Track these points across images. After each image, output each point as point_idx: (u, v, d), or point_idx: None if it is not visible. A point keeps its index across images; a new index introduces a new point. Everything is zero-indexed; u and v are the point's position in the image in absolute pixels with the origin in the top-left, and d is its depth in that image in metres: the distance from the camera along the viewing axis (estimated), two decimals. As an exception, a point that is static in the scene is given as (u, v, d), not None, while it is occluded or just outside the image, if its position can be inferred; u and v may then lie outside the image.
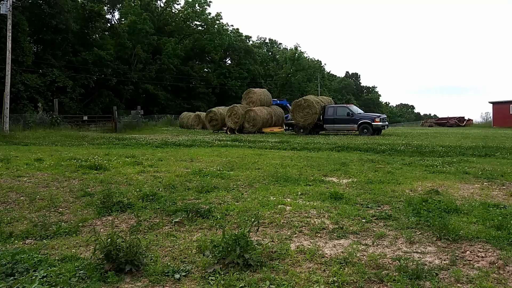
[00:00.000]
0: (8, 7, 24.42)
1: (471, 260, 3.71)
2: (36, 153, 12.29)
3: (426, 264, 3.57)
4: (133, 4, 59.96)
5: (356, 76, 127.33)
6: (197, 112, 42.32)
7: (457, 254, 3.85)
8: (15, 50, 31.33)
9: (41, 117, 29.44)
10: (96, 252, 3.58)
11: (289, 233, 4.55)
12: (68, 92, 42.71)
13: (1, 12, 25.38)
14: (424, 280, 3.24)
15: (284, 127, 31.00)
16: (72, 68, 45.22)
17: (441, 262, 3.65)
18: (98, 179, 7.99)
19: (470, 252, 3.91)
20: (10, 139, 20.03)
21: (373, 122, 25.06)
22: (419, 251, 3.96)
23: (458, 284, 3.20)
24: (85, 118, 36.84)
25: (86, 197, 6.47)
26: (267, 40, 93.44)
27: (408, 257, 3.75)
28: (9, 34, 24.39)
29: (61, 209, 5.82)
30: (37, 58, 42.60)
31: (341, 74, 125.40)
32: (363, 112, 28.44)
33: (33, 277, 3.36)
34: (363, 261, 3.67)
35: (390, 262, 3.66)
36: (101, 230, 4.83)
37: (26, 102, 36.79)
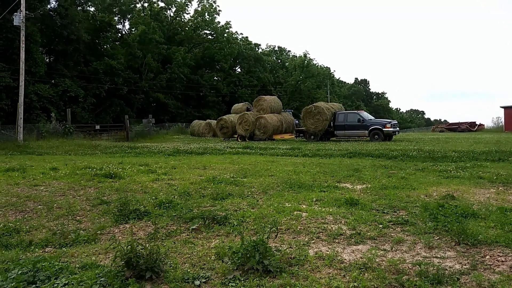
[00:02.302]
0: (21, 18, 24.77)
1: (491, 265, 3.69)
2: (51, 162, 12.44)
3: (446, 269, 3.56)
4: (143, 14, 60.50)
5: (365, 83, 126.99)
6: (208, 120, 42.44)
7: (477, 258, 3.83)
8: (27, 61, 31.72)
9: (54, 127, 29.75)
10: (116, 259, 3.61)
11: (306, 239, 4.55)
12: (80, 102, 43.14)
13: (15, 24, 25.76)
14: (445, 285, 3.24)
15: (295, 134, 30.98)
16: (84, 78, 45.70)
17: (461, 267, 3.63)
18: (113, 187, 8.06)
19: (490, 256, 3.89)
20: (24, 149, 20.26)
21: (384, 128, 24.94)
22: (439, 256, 3.94)
23: (480, 289, 3.18)
24: (97, 127, 37.13)
25: (102, 205, 6.53)
26: (276, 48, 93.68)
27: (428, 262, 3.73)
28: (22, 45, 24.72)
29: (78, 217, 5.89)
30: (49, 68, 43.17)
31: (350, 80, 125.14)
32: (373, 118, 28.34)
33: (55, 285, 3.41)
34: (382, 266, 3.67)
35: (410, 267, 3.65)
36: (120, 237, 4.88)
37: (39, 112, 37.24)
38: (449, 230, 4.62)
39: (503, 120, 50.07)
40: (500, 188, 7.50)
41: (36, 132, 27.53)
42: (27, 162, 12.95)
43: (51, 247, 4.61)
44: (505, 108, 48.59)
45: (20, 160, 13.98)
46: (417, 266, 3.62)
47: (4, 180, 8.87)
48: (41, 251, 4.46)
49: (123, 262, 3.59)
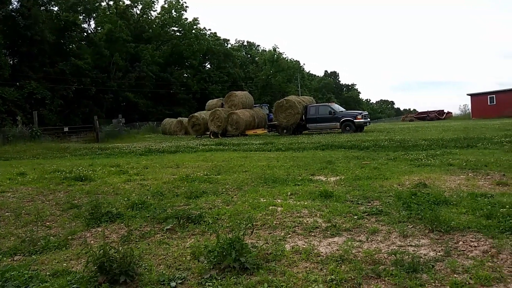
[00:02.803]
0: (-19, 20, 23.94)
1: (464, 250, 3.75)
2: (18, 167, 12.06)
3: (421, 257, 3.60)
4: (108, 13, 59.34)
5: (335, 75, 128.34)
6: (179, 118, 42.06)
7: (450, 245, 3.88)
8: (-10, 64, 30.70)
9: (20, 131, 28.87)
10: (88, 264, 3.49)
11: (282, 234, 4.53)
12: (47, 104, 41.98)
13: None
14: (421, 273, 3.26)
15: (267, 129, 31.04)
16: (50, 79, 44.46)
17: (436, 254, 3.68)
18: (84, 190, 7.88)
19: (463, 242, 3.95)
20: (-11, 155, 19.60)
21: (355, 119, 25.27)
22: (413, 244, 3.98)
23: (455, 275, 3.22)
24: (66, 129, 36.30)
25: (73, 209, 6.36)
26: (245, 43, 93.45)
27: (403, 250, 3.77)
28: (-17, 47, 23.90)
29: (48, 223, 5.71)
30: (14, 70, 41.80)
31: (320, 73, 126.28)
32: (344, 110, 28.67)
33: (25, 294, 3.29)
34: (359, 258, 3.68)
35: (385, 257, 3.67)
36: (92, 242, 4.74)
37: (4, 116, 36.04)
38: (422, 218, 4.68)
39: (470, 107, 51.47)
40: (470, 174, 7.66)
41: (1, 137, 26.66)
42: (-8, 168, 12.52)
43: (20, 255, 4.44)
44: (472, 95, 49.97)
45: (-15, 166, 13.50)
46: (393, 255, 3.64)
47: (-32, 188, 8.54)
48: (9, 260, 4.29)
49: (95, 267, 3.48)
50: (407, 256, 3.56)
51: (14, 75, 40.88)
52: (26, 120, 33.81)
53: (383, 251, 3.83)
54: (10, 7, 41.34)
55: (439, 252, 3.73)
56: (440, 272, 3.29)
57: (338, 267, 3.46)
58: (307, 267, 3.54)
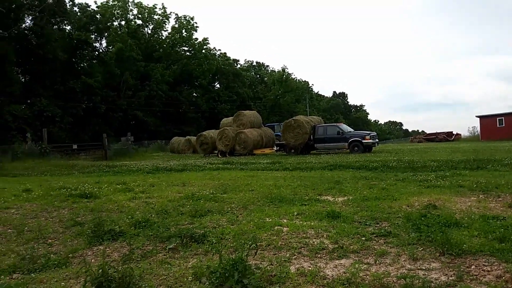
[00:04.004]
0: (-6, 38, 24.38)
1: (477, 275, 3.59)
2: (25, 184, 12.05)
3: (432, 281, 3.44)
4: (120, 32, 60.24)
5: (343, 96, 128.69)
6: (188, 137, 42.07)
7: (462, 269, 3.72)
8: (2, 81, 31.09)
9: (30, 148, 29.09)
10: (86, 284, 3.39)
11: (288, 255, 4.40)
12: (57, 121, 42.35)
13: (-13, 44, 25.32)
14: (432, 299, 3.11)
15: (275, 148, 30.91)
16: (61, 97, 44.93)
17: (447, 279, 3.52)
18: (88, 207, 7.80)
19: (476, 266, 3.79)
20: (-2, 171, 19.69)
21: (364, 140, 25.10)
22: (424, 267, 3.83)
23: (468, 301, 3.07)
24: (75, 146, 36.40)
25: (76, 227, 6.27)
26: (254, 63, 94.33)
27: (413, 274, 3.61)
28: (-5, 65, 24.27)
29: (50, 240, 5.62)
30: (25, 88, 42.38)
31: (328, 94, 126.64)
32: (353, 130, 28.53)
33: (20, 314, 3.18)
34: (366, 281, 3.53)
35: (395, 280, 3.52)
36: (92, 260, 4.64)
37: (14, 133, 36.36)
38: (432, 240, 4.52)
39: (479, 129, 51.12)
40: (481, 196, 7.49)
41: (11, 154, 26.84)
42: (0, 184, 12.54)
43: (18, 273, 4.34)
44: (481, 117, 49.70)
45: (-8, 182, 13.51)
46: (402, 279, 3.49)
47: (-27, 204, 8.50)
48: (7, 278, 4.20)
49: (93, 286, 3.38)
50: (417, 281, 3.41)
51: (25, 93, 41.43)
52: (36, 137, 34.09)
53: (392, 274, 3.68)
54: (23, 25, 42.10)
55: (450, 276, 3.57)
56: (452, 298, 3.13)
57: (344, 291, 3.32)
58: (312, 291, 3.40)
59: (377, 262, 4.05)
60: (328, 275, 3.75)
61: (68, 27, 52.82)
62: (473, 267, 3.78)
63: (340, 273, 3.77)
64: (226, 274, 3.47)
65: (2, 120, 32.26)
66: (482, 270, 3.69)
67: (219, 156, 29.81)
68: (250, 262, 3.81)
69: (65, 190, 10.06)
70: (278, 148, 30.15)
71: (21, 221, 6.77)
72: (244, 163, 18.96)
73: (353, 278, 3.57)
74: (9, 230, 6.26)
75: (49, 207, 7.97)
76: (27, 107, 39.94)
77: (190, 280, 3.78)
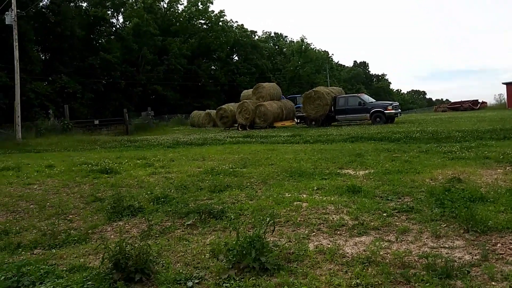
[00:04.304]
0: (13, 17, 24.46)
1: (503, 254, 3.44)
2: (48, 160, 12.26)
3: (455, 261, 3.32)
4: (136, 7, 59.88)
5: (364, 65, 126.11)
6: (208, 110, 42.07)
7: (488, 247, 3.57)
8: (23, 59, 31.36)
9: (52, 124, 29.57)
10: (104, 261, 3.39)
11: (306, 231, 4.32)
12: (78, 98, 42.82)
13: (6, 23, 25.48)
14: (455, 279, 2.98)
15: (296, 120, 30.67)
16: (81, 74, 45.30)
17: (471, 258, 3.39)
18: (109, 183, 7.87)
19: (502, 244, 3.64)
20: (23, 147, 20.11)
21: (386, 110, 24.66)
22: (447, 246, 3.70)
23: (493, 283, 2.93)
24: (96, 122, 36.86)
25: (96, 203, 6.34)
26: (272, 34, 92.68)
27: (436, 253, 3.48)
28: (15, 44, 24.43)
29: (70, 216, 5.69)
30: (46, 65, 42.78)
31: (349, 63, 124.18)
32: (374, 100, 28.04)
33: (39, 291, 3.21)
34: (387, 260, 3.42)
35: (416, 259, 3.40)
36: (111, 236, 4.67)
37: (37, 110, 36.94)
38: (456, 216, 4.36)
39: (505, 96, 49.47)
40: (508, 168, 7.24)
41: (34, 130, 27.38)
42: (23, 160, 12.78)
43: (40, 248, 4.41)
44: (508, 84, 47.99)
45: (17, 158, 13.79)
46: (424, 258, 3.36)
47: (-2, 180, 8.68)
48: (29, 253, 4.26)
49: (111, 264, 3.37)
50: (440, 260, 3.27)
51: (46, 70, 41.84)
52: (58, 113, 34.60)
53: (413, 253, 3.56)
54: (41, 4, 42.23)
55: (475, 255, 3.44)
56: (476, 279, 3.00)
57: (364, 270, 3.22)
58: (331, 269, 3.32)
59: (399, 239, 3.93)
60: (347, 253, 3.67)
61: (85, 4, 52.90)
62: (499, 245, 3.63)
63: (360, 251, 3.68)
64: (244, 252, 3.41)
65: (25, 97, 32.68)
66: (509, 248, 3.54)
67: (239, 129, 29.77)
68: (268, 239, 3.75)
69: (86, 165, 10.17)
70: (298, 120, 29.89)
71: (43, 197, 6.88)
72: (264, 136, 18.88)
73: (373, 257, 3.47)
74: (32, 206, 6.37)
75: (71, 183, 8.08)
76: (49, 84, 40.40)
77: (208, 257, 3.75)
